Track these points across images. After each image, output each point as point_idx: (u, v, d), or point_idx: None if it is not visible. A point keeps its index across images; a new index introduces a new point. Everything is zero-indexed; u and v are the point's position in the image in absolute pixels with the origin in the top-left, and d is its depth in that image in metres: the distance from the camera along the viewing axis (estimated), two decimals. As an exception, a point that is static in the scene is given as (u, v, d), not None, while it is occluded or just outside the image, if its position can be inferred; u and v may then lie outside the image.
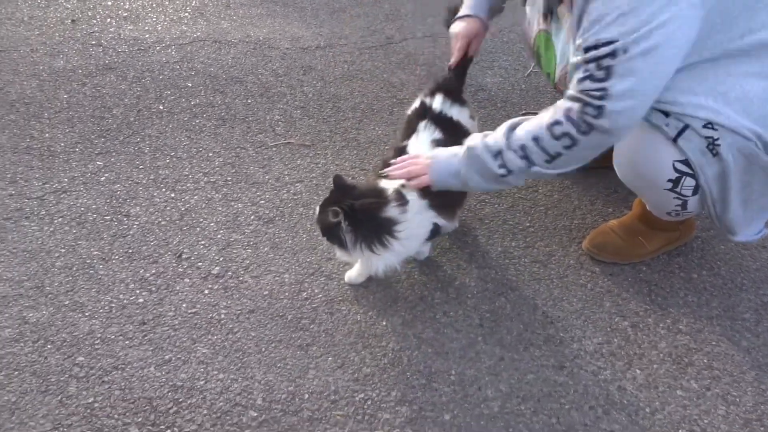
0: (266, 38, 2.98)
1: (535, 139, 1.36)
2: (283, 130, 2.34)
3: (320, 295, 1.68)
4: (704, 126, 1.37)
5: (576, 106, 1.30)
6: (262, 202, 2.00)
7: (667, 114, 1.40)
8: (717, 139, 1.37)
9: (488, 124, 2.36)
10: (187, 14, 3.22)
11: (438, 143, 1.64)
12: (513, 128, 1.41)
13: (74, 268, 1.74)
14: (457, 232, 1.88)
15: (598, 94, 1.26)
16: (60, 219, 1.91)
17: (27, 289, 1.67)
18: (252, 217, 1.94)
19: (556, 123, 1.33)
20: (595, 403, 1.44)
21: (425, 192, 1.53)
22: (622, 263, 1.77)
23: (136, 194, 2.02)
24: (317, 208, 1.55)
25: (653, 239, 1.75)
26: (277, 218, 1.94)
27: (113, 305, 1.64)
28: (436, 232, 1.62)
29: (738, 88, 1.34)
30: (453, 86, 1.82)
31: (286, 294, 1.68)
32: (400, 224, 1.47)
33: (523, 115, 2.32)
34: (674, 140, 1.41)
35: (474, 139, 1.46)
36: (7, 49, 2.85)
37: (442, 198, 1.56)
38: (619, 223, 1.79)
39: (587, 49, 1.26)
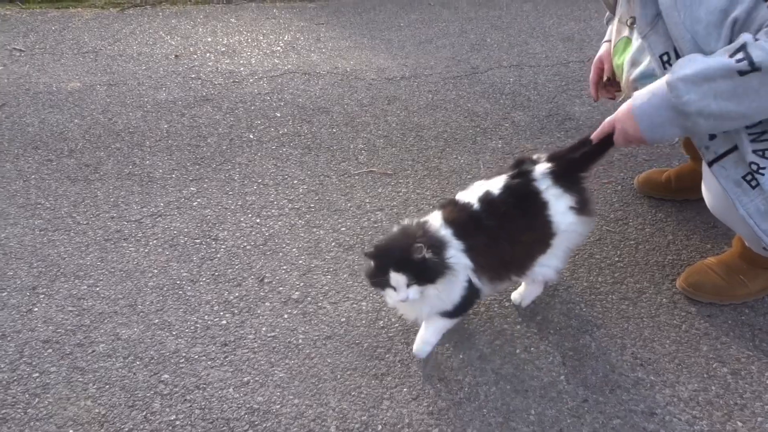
0: (353, 69, 3.06)
1: None
2: (366, 159, 2.37)
3: (396, 324, 1.67)
4: (755, 151, 1.27)
5: None
6: (343, 229, 2.03)
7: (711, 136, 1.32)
8: (763, 168, 1.26)
9: (575, 153, 2.29)
10: (279, 48, 3.37)
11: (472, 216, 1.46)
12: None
13: (165, 289, 1.83)
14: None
15: None
16: (155, 241, 2.02)
17: (121, 307, 1.77)
18: (333, 244, 1.97)
19: None
20: (690, 455, 1.32)
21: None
22: (722, 304, 1.64)
23: (224, 219, 2.10)
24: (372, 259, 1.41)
25: (756, 279, 1.62)
26: (357, 245, 1.95)
27: (198, 325, 1.70)
28: (472, 294, 1.48)
29: None
30: (573, 164, 1.52)
31: (363, 322, 1.68)
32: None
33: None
34: (710, 164, 1.33)
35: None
36: (117, 83, 3.09)
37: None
38: (718, 261, 1.67)
39: None
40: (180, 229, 2.07)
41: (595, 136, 1.48)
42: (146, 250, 1.98)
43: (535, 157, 1.55)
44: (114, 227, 2.09)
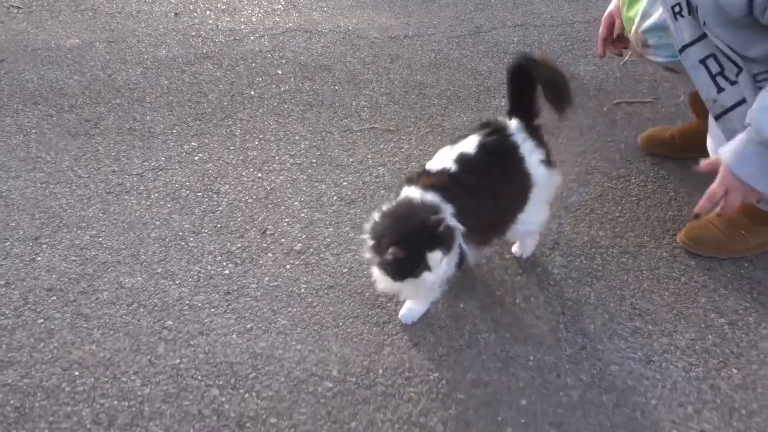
0: (355, 28, 3.02)
1: None
2: (369, 116, 2.36)
3: (398, 276, 1.68)
4: None
5: None
6: (345, 183, 2.03)
7: (731, 82, 1.31)
8: None
9: (580, 112, 2.28)
10: (280, 6, 3.32)
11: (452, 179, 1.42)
12: None
13: (167, 240, 1.84)
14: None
15: None
16: (156, 194, 2.02)
17: (124, 256, 1.78)
18: (335, 198, 1.97)
19: None
20: (685, 400, 1.35)
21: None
22: (721, 258, 1.65)
23: (226, 173, 2.10)
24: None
25: (757, 234, 1.62)
26: (359, 199, 1.95)
27: (201, 275, 1.71)
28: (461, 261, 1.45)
29: None
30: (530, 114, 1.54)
31: (365, 272, 1.69)
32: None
33: (616, 104, 2.21)
34: (717, 117, 1.33)
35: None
36: (117, 40, 3.05)
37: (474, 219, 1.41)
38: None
39: None
40: (182, 183, 2.07)
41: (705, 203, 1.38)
42: (148, 203, 1.99)
43: (499, 119, 1.55)
44: (116, 180, 2.09)
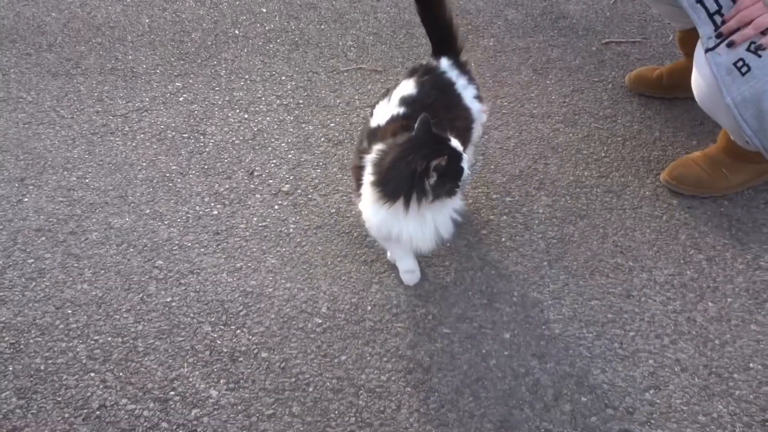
0: (341, -36, 2.93)
1: None
2: (355, 56, 2.33)
3: (386, 215, 1.70)
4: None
5: None
6: (332, 125, 2.02)
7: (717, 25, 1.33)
8: (764, 48, 1.29)
9: (568, 52, 2.26)
10: (263, -59, 3.20)
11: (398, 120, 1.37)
12: None
13: (155, 181, 1.83)
14: (528, 160, 1.83)
15: None
16: (142, 135, 2.00)
17: (112, 197, 1.78)
18: (322, 139, 1.96)
19: None
20: (662, 332, 1.40)
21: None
22: (703, 196, 1.69)
23: (212, 114, 2.08)
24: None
25: (738, 172, 1.65)
26: (346, 141, 1.95)
27: (190, 216, 1.72)
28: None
29: None
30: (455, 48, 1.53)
31: (353, 213, 1.71)
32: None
33: (605, 43, 2.20)
34: (707, 50, 1.36)
35: None
36: (94, -24, 2.95)
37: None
38: (703, 155, 1.69)
39: None
40: (167, 124, 2.04)
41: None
42: (134, 144, 1.97)
43: (427, 60, 1.54)
44: (100, 121, 2.06)
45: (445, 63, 1.51)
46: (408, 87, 1.45)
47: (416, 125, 1.24)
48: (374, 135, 1.38)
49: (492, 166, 1.82)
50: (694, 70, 1.51)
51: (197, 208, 1.75)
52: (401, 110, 1.40)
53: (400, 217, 1.27)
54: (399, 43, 2.38)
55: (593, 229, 1.64)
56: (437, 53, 1.54)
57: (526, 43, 2.32)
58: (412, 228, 1.29)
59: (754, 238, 1.58)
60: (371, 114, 1.48)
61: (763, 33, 1.33)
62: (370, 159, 1.29)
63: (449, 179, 1.25)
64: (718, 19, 1.38)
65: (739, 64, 1.35)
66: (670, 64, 2.01)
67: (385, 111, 1.42)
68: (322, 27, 2.50)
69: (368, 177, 1.29)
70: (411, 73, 1.51)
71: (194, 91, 2.19)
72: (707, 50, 1.39)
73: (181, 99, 2.15)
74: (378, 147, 1.30)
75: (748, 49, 1.34)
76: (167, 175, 1.85)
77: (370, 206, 1.31)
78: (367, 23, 2.51)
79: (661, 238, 1.60)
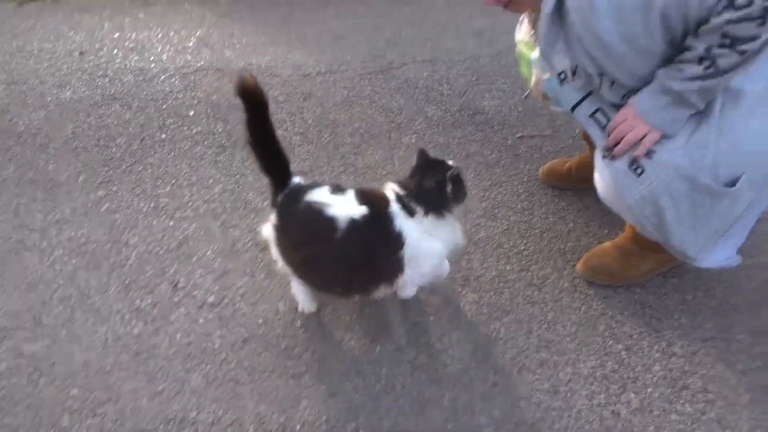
0: (268, 66, 3.03)
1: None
2: (282, 157, 2.36)
3: (314, 323, 1.69)
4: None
5: None
6: (260, 228, 2.02)
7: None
8: (653, 152, 1.41)
9: (486, 146, 2.38)
10: (191, 44, 3.28)
11: None
12: None
13: (72, 300, 1.77)
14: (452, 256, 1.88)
15: None
16: (60, 250, 1.94)
17: (25, 321, 1.70)
18: (250, 244, 1.96)
19: None
20: (589, 428, 1.42)
21: None
22: (617, 286, 1.76)
23: (135, 223, 2.05)
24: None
25: (646, 260, 1.74)
26: (273, 245, 1.95)
27: (109, 336, 1.66)
28: None
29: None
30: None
31: (281, 322, 1.69)
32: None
33: (519, 138, 2.35)
34: (604, 157, 1.48)
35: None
36: (17, 81, 2.93)
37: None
38: (613, 245, 1.79)
39: None
40: (87, 236, 2.00)
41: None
42: (51, 260, 1.91)
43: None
44: (16, 237, 1.99)
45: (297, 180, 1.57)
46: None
47: (416, 157, 1.57)
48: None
49: (418, 265, 1.86)
50: (596, 169, 1.61)
51: (117, 327, 1.69)
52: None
53: (438, 226, 1.52)
54: (325, 143, 2.45)
55: (518, 324, 1.68)
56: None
57: (446, 139, 2.43)
58: (449, 232, 1.57)
59: (667, 324, 1.65)
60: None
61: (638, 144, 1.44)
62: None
63: (459, 186, 1.54)
64: (602, 118, 1.50)
65: (634, 166, 1.45)
66: (578, 157, 2.15)
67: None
68: (249, 129, 2.54)
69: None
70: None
71: (118, 199, 2.16)
72: (603, 157, 1.49)
73: (103, 209, 2.12)
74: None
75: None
76: (86, 292, 1.80)
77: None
78: (294, 123, 2.57)
79: (582, 330, 1.65)
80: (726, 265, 1.55)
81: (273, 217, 1.52)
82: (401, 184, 1.55)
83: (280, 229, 1.49)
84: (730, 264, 1.55)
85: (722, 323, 1.65)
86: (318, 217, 1.42)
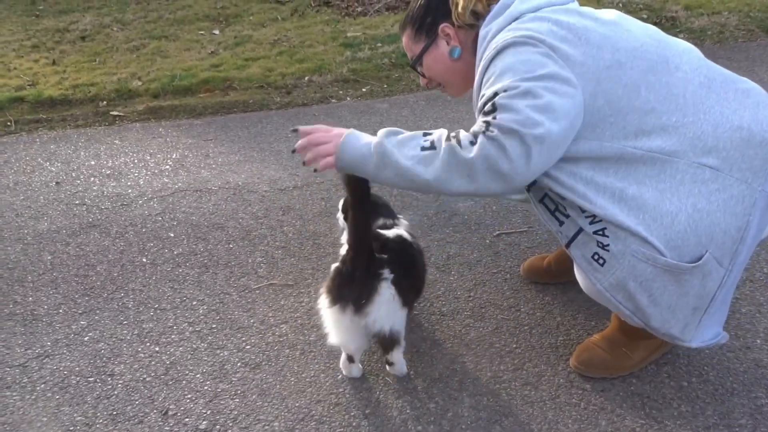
0: (245, 183, 3.11)
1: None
2: (266, 272, 2.38)
3: (312, 442, 1.64)
4: (595, 232, 1.48)
5: None
6: (248, 347, 2.00)
7: (566, 216, 1.53)
8: (607, 245, 1.47)
9: (465, 247, 2.44)
10: (168, 167, 3.37)
11: None
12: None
13: (57, 438, 1.69)
14: (445, 360, 1.87)
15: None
16: (42, 385, 1.88)
17: (7, 466, 1.61)
18: (239, 364, 1.93)
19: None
20: None
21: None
22: (612, 377, 1.77)
23: (120, 351, 2.01)
24: None
25: (637, 349, 1.77)
26: (263, 363, 1.92)
27: (97, 475, 1.58)
28: None
29: (633, 188, 1.44)
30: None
31: (277, 444, 1.64)
32: None
33: (497, 236, 2.41)
34: (567, 246, 1.54)
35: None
36: (-7, 215, 2.93)
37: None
38: (602, 337, 1.81)
39: None
40: (71, 369, 1.94)
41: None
42: (33, 397, 1.83)
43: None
44: (-6, 376, 1.92)
45: None
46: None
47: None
48: None
49: (411, 372, 1.84)
50: (574, 262, 1.67)
51: (106, 464, 1.61)
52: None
53: None
54: (307, 255, 2.48)
55: (519, 427, 1.65)
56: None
57: (425, 242, 2.49)
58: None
59: (667, 414, 1.65)
60: None
61: None
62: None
63: None
64: (559, 215, 1.57)
65: (595, 257, 1.52)
66: (556, 251, 2.22)
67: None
68: (231, 246, 2.57)
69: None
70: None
71: (100, 328, 2.12)
72: (566, 246, 1.56)
73: (86, 338, 2.07)
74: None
75: (598, 245, 1.50)
76: (71, 428, 1.72)
77: None
78: (275, 238, 2.61)
79: (583, 427, 1.64)
80: (715, 342, 1.58)
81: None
82: None
83: None
84: (719, 341, 1.59)
85: (722, 409, 1.65)
86: None
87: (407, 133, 1.49)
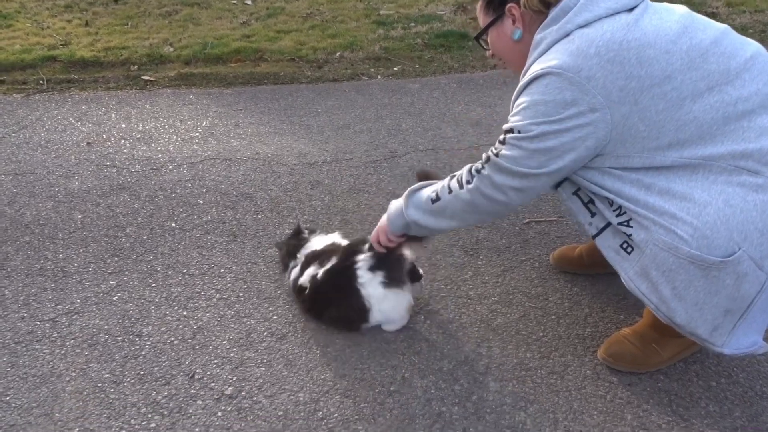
0: (274, 155, 3.11)
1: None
2: (293, 245, 2.38)
3: (336, 414, 1.65)
4: (620, 223, 1.49)
5: None
6: (275, 317, 2.01)
7: (592, 213, 1.57)
8: (630, 234, 1.48)
9: (494, 233, 2.42)
10: (198, 134, 3.37)
11: None
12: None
13: (85, 393, 1.72)
14: (471, 344, 1.87)
15: None
16: (72, 341, 1.90)
17: (36, 416, 1.64)
18: (265, 334, 1.94)
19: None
20: None
21: None
22: (640, 372, 1.76)
23: (148, 313, 2.03)
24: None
25: (667, 346, 1.75)
26: (290, 334, 1.93)
27: (124, 431, 1.60)
28: None
29: (663, 182, 1.45)
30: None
31: (301, 414, 1.65)
32: None
33: (526, 223, 2.37)
34: (594, 237, 1.56)
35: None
36: (24, 172, 2.96)
37: None
38: (633, 331, 1.80)
39: None
40: (100, 327, 1.96)
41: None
42: (62, 352, 1.86)
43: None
44: (25, 328, 1.95)
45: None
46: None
47: None
48: None
49: (437, 353, 1.84)
50: None
51: (132, 421, 1.63)
52: None
53: None
54: (336, 230, 2.47)
55: (544, 415, 1.65)
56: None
57: (454, 226, 2.47)
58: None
59: (694, 413, 1.64)
60: None
61: None
62: None
63: None
64: (592, 207, 1.57)
65: (624, 245, 1.51)
66: (588, 242, 2.19)
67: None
68: (259, 216, 2.58)
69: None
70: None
71: (129, 289, 2.14)
72: (593, 236, 1.55)
73: (115, 298, 2.10)
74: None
75: (624, 235, 1.50)
76: (99, 385, 1.74)
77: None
78: (303, 211, 2.61)
79: (609, 419, 1.63)
80: (751, 351, 1.53)
81: None
82: None
83: None
84: (756, 351, 1.53)
85: (750, 411, 1.64)
86: None
87: (423, 193, 1.72)
